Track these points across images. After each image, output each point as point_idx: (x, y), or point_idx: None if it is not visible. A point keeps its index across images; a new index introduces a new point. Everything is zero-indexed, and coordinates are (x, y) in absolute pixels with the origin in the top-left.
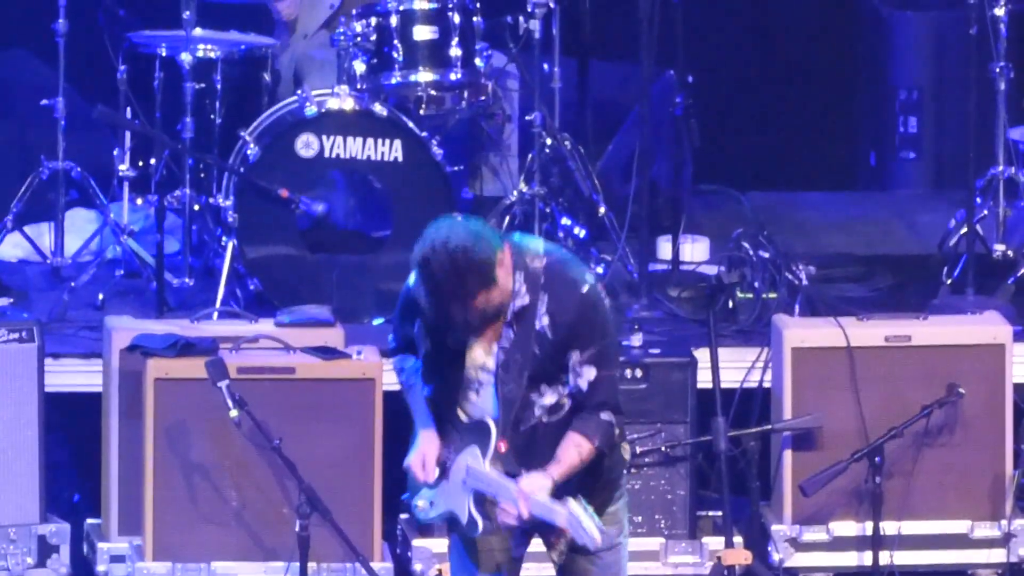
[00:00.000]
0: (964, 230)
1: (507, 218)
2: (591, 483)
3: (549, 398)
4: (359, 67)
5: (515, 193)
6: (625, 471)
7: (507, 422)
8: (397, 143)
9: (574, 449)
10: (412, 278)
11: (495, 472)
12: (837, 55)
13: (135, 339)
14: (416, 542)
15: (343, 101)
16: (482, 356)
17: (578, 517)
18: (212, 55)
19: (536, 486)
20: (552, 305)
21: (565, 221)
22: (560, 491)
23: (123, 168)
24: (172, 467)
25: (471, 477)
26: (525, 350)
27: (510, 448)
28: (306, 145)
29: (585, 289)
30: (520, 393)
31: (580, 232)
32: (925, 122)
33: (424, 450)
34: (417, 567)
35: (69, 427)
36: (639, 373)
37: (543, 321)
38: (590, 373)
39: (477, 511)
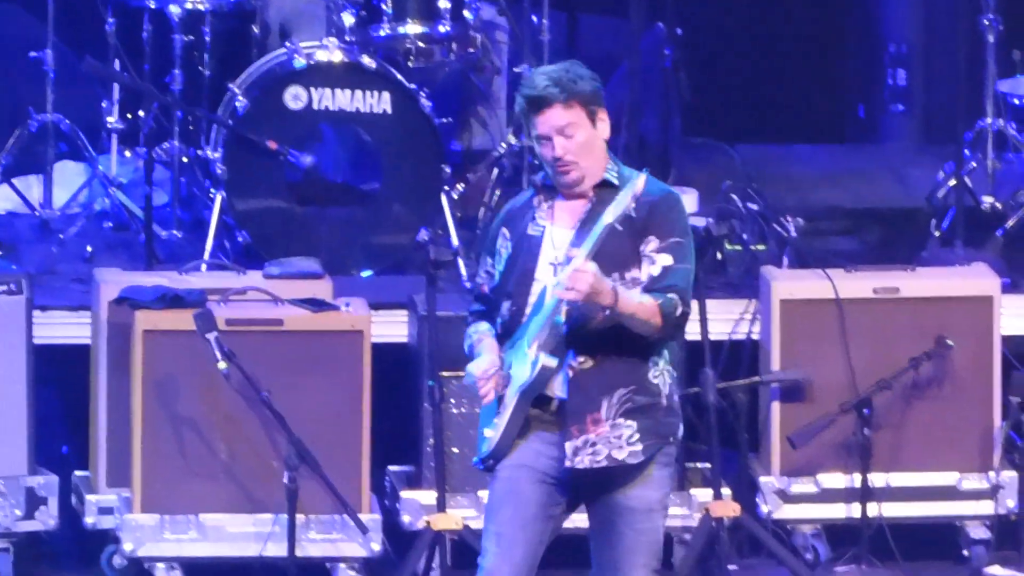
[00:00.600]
0: (953, 182)
1: (496, 170)
2: (646, 423)
3: (618, 284)
4: (348, 19)
5: (503, 145)
6: (677, 434)
7: (577, 309)
8: (386, 95)
9: (639, 297)
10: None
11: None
12: (826, 8)
13: (123, 291)
14: (405, 494)
15: (332, 53)
16: (561, 242)
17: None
18: (201, 8)
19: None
20: (639, 192)
21: None
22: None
23: (112, 121)
24: (160, 419)
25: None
26: (606, 234)
27: (573, 333)
28: (295, 97)
29: (671, 191)
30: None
31: None
32: (914, 75)
33: (487, 359)
34: (405, 518)
35: (57, 380)
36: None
37: (628, 204)
38: (665, 259)
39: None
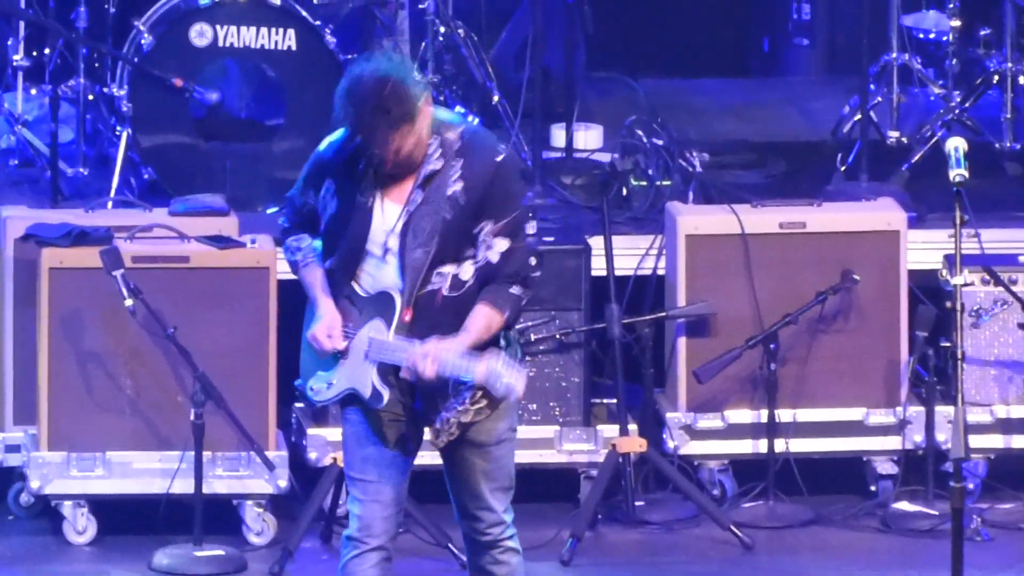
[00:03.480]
0: (858, 117)
1: None
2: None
3: (453, 269)
4: None
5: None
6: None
7: (412, 290)
8: (291, 32)
9: (483, 320)
10: (324, 143)
11: (400, 340)
12: None
13: (29, 228)
14: (311, 430)
15: None
16: (390, 219)
17: (496, 370)
18: None
19: (445, 346)
20: (467, 171)
21: (459, 109)
22: None
23: (17, 58)
24: (67, 356)
25: (374, 349)
26: (435, 216)
27: (413, 319)
28: (200, 34)
29: (500, 158)
30: (426, 261)
31: (474, 120)
32: (818, 8)
33: (328, 321)
34: (312, 455)
35: None
36: (533, 260)
37: (456, 187)
38: (502, 244)
39: (381, 383)
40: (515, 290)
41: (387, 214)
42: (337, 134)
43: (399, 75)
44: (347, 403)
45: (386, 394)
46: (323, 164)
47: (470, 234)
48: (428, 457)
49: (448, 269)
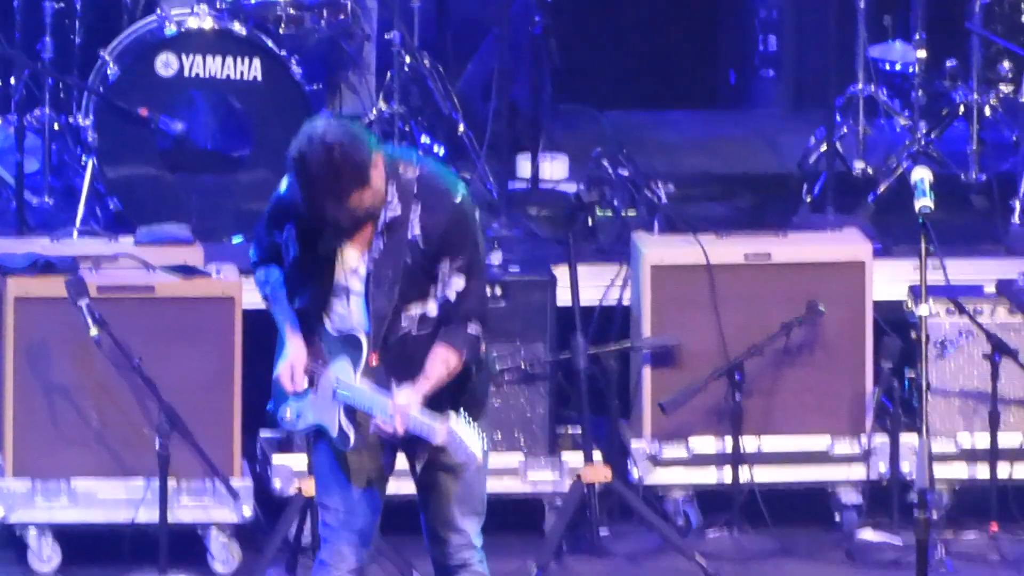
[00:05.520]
0: (824, 148)
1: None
2: (460, 399)
3: (418, 310)
4: None
5: (374, 112)
6: (492, 387)
7: (378, 335)
8: (256, 62)
9: (441, 363)
10: (284, 184)
11: (367, 385)
12: None
13: None
14: (276, 459)
15: (202, 20)
16: (354, 260)
17: (457, 433)
18: None
19: (410, 401)
20: (425, 215)
21: (424, 140)
22: (431, 406)
23: None
24: (32, 386)
25: (342, 389)
26: (396, 261)
27: (381, 362)
28: (165, 64)
29: (458, 199)
30: (391, 306)
31: (439, 151)
32: (785, 40)
33: (293, 359)
34: (276, 484)
35: None
36: (499, 291)
37: (415, 231)
38: (459, 283)
39: (348, 423)
40: (472, 329)
41: (348, 259)
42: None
43: (346, 140)
44: (317, 435)
45: (352, 435)
46: (284, 206)
47: (431, 273)
48: (394, 487)
49: (414, 310)
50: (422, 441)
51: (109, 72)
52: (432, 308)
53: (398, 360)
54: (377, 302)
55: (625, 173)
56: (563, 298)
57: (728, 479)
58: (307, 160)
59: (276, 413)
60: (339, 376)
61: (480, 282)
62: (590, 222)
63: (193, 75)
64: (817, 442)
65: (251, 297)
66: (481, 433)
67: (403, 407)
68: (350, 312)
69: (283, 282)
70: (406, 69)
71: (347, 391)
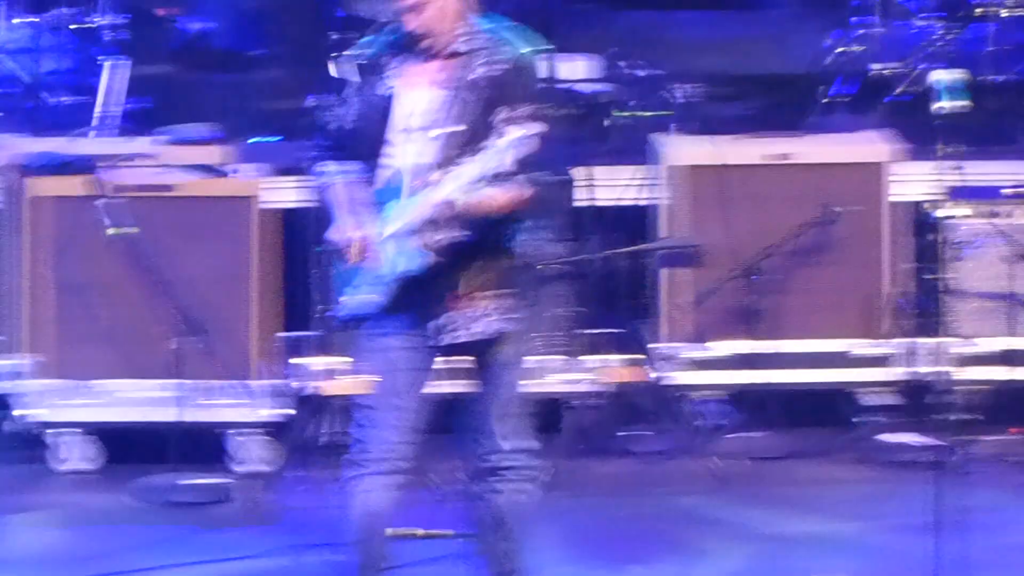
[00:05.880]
0: (840, 49)
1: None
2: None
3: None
4: None
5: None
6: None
7: (432, 168)
8: None
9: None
10: (346, 53)
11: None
12: None
13: (12, 157)
14: (293, 360)
15: None
16: (416, 104)
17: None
18: None
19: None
20: (490, 56)
21: None
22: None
23: None
24: (52, 285)
25: (391, 228)
26: (457, 97)
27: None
28: None
29: (523, 51)
30: (449, 145)
31: None
32: None
33: (345, 225)
34: (294, 384)
35: None
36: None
37: (479, 71)
38: (515, 133)
39: (402, 254)
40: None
41: (413, 100)
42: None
43: None
44: (364, 325)
45: (407, 262)
46: (347, 69)
47: (487, 121)
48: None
49: (468, 156)
50: (465, 348)
51: None
52: None
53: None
54: (438, 133)
55: (640, 73)
56: (580, 198)
57: (746, 380)
58: None
59: (348, 321)
60: (388, 225)
61: (534, 137)
62: (606, 123)
63: None
64: (835, 344)
65: (271, 196)
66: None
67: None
68: (406, 153)
69: (342, 172)
70: None
71: (397, 218)
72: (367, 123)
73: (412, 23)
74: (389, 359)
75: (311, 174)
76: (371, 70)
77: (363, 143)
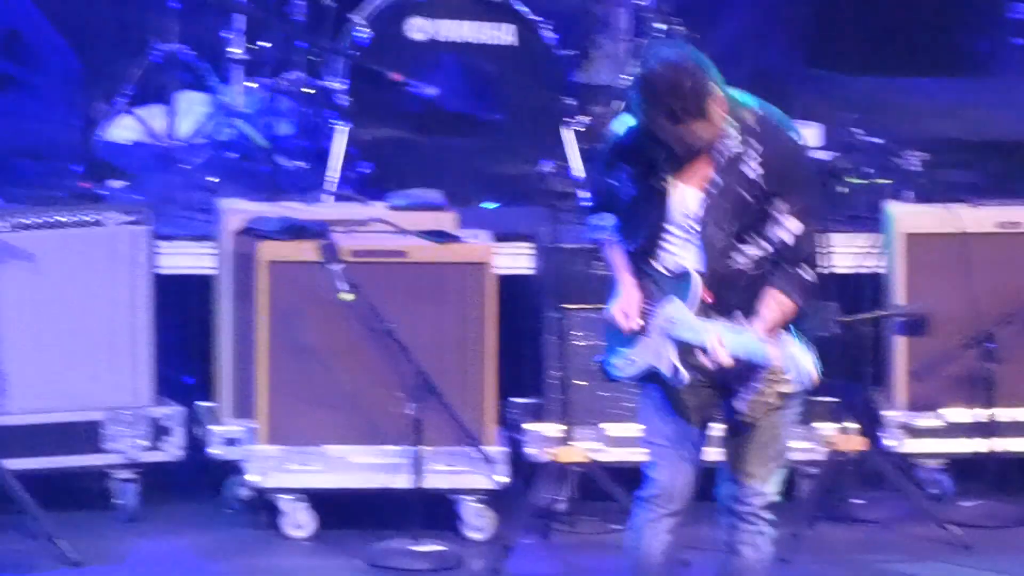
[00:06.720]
0: None
1: (615, 102)
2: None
3: (752, 249)
4: None
5: (626, 77)
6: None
7: (713, 272)
8: (509, 27)
9: (776, 306)
10: (618, 124)
11: (699, 320)
12: None
13: (248, 222)
14: (528, 426)
15: None
16: (690, 198)
17: (794, 355)
18: None
19: (739, 331)
20: (766, 152)
21: None
22: None
23: (235, 51)
24: (285, 350)
25: (674, 326)
26: (733, 198)
27: (715, 299)
28: (416, 28)
29: (799, 140)
30: (725, 242)
31: None
32: None
33: (627, 299)
34: (530, 451)
35: (179, 309)
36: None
37: (755, 168)
38: (794, 225)
39: (681, 362)
40: (805, 274)
41: (686, 197)
42: (631, 118)
43: (692, 67)
44: (647, 379)
45: (685, 373)
46: (619, 148)
47: (766, 214)
48: None
49: (747, 249)
50: (747, 380)
51: (361, 35)
52: (766, 248)
53: (730, 298)
54: (713, 238)
55: (876, 140)
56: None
57: (981, 448)
58: (652, 79)
59: (605, 364)
60: (672, 315)
61: (814, 227)
62: (843, 190)
63: (444, 39)
64: None
65: (505, 262)
66: (814, 354)
67: (730, 335)
68: (684, 250)
69: (618, 227)
70: (658, 34)
71: (680, 327)
72: (641, 210)
73: (685, 153)
74: (671, 407)
75: (589, 223)
76: (643, 156)
77: (638, 226)
